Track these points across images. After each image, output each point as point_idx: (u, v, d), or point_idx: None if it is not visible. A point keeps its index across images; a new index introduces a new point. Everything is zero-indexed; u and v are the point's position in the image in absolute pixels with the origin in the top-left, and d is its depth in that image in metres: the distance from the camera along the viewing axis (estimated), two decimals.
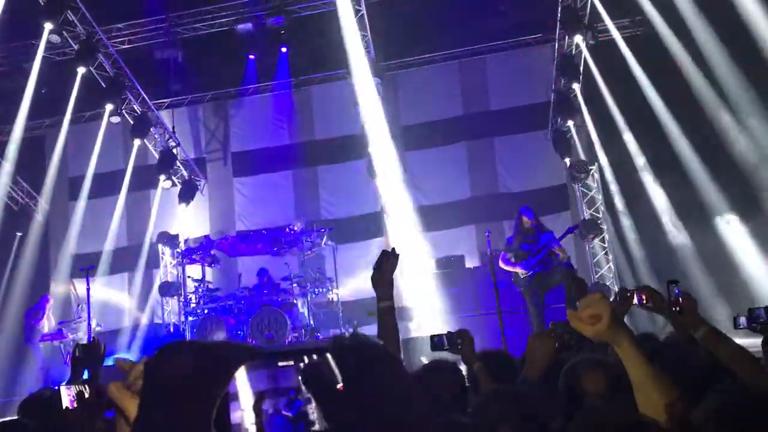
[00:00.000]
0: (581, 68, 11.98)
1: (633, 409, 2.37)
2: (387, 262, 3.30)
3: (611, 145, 12.12)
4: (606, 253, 11.86)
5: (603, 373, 2.45)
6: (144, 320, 13.21)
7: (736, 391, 2.26)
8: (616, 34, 11.54)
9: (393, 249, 3.44)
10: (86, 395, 3.34)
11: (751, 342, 3.91)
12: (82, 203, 13.66)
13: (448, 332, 3.80)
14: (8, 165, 12.73)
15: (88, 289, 10.34)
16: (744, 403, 2.04)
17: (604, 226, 11.89)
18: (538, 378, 2.91)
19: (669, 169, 11.17)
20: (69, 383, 3.64)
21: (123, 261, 13.79)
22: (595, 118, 12.19)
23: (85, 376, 3.77)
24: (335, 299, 11.91)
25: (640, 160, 11.74)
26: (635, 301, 3.53)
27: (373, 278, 3.30)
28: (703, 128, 10.54)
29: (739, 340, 3.06)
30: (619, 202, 12.17)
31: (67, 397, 3.22)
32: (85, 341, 10.90)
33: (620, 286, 11.42)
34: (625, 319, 3.59)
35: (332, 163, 14.12)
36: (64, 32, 11.73)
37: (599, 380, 2.43)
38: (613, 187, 12.28)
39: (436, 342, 3.76)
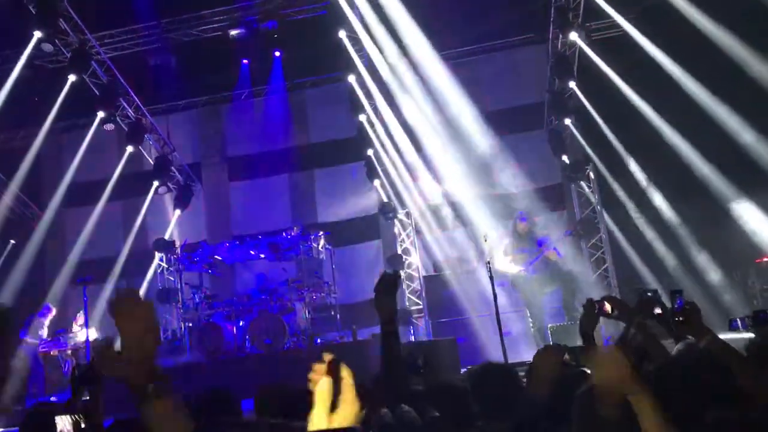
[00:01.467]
0: (575, 67, 11.99)
1: None
2: (387, 286, 3.28)
3: (606, 144, 12.12)
4: (603, 253, 11.87)
5: (618, 398, 2.44)
6: None
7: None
8: (623, 24, 11.41)
9: (395, 271, 3.43)
10: (82, 425, 3.33)
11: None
12: (78, 210, 13.63)
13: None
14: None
15: (85, 300, 10.31)
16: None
17: (600, 226, 11.90)
18: (544, 395, 2.92)
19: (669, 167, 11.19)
20: (69, 405, 3.64)
21: (121, 269, 13.72)
22: (590, 117, 12.18)
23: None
24: (333, 303, 11.91)
25: (634, 159, 11.76)
26: (607, 308, 3.54)
27: (375, 302, 3.29)
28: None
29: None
30: (614, 201, 12.17)
31: (63, 425, 3.22)
32: (83, 348, 10.92)
33: (613, 286, 11.46)
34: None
35: (328, 166, 14.12)
36: (56, 41, 11.64)
37: (615, 405, 2.42)
38: (610, 186, 12.27)
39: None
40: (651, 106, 11.28)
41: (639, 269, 11.60)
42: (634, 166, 11.80)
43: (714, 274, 10.71)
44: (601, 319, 3.61)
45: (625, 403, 2.39)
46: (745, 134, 9.79)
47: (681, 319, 3.18)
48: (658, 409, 1.75)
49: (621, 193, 12.12)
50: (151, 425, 1.49)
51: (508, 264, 9.00)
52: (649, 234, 11.63)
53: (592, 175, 12.15)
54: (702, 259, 10.91)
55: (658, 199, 11.58)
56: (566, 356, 3.20)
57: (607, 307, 3.50)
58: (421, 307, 12.35)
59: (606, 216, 12.16)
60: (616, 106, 11.75)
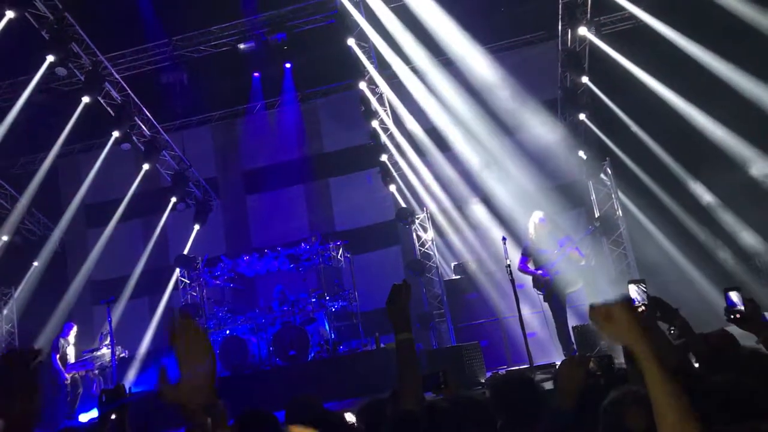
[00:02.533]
0: (586, 62, 11.91)
1: None
2: (400, 295, 3.28)
3: (628, 136, 12.01)
4: (623, 249, 11.75)
5: (646, 408, 2.40)
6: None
7: None
8: (637, 13, 11.31)
9: (404, 281, 3.42)
10: None
11: None
12: (99, 230, 13.79)
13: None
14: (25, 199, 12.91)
15: (109, 321, 10.40)
16: None
17: (620, 223, 11.79)
18: (570, 406, 2.89)
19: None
20: (96, 429, 3.67)
21: (142, 286, 13.83)
22: (607, 111, 12.09)
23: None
24: (355, 311, 11.91)
25: (659, 152, 11.63)
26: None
27: (388, 312, 3.28)
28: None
29: None
30: (634, 197, 12.05)
31: None
32: (110, 368, 11.01)
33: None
34: None
35: (343, 174, 14.15)
36: (69, 64, 11.78)
37: (642, 416, 2.38)
38: (634, 177, 12.13)
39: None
40: (674, 91, 11.16)
41: (662, 263, 11.42)
42: (664, 156, 11.65)
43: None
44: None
45: (648, 409, 2.36)
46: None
47: (738, 316, 3.12)
48: (661, 369, 1.71)
49: (650, 184, 11.96)
50: None
51: (529, 268, 8.93)
52: (684, 220, 11.48)
53: (609, 170, 12.04)
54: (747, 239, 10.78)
55: (694, 185, 11.44)
56: (591, 365, 3.16)
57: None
58: (443, 311, 12.31)
59: (632, 206, 12.05)
60: (634, 97, 11.65)
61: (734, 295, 3.12)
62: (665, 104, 11.21)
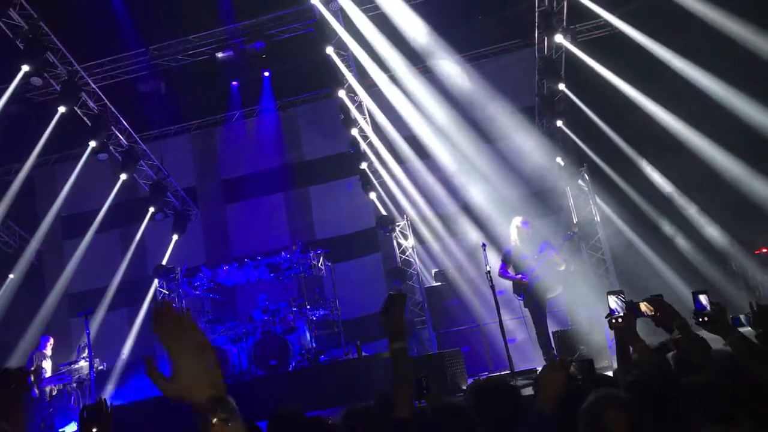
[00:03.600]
0: (563, 69, 12.05)
1: None
2: (395, 305, 3.29)
3: (601, 143, 12.16)
4: (602, 254, 11.86)
5: (625, 409, 2.44)
6: None
7: None
8: (613, 21, 11.47)
9: (399, 290, 3.43)
10: None
11: None
12: (76, 241, 13.64)
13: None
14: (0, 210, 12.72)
15: (87, 333, 10.28)
16: None
17: (598, 229, 11.90)
18: (551, 410, 2.91)
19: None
20: None
21: (120, 297, 13.68)
22: (584, 117, 12.22)
23: None
24: (336, 319, 11.87)
25: (635, 158, 11.79)
26: (647, 312, 3.50)
27: (382, 322, 3.29)
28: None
29: None
30: (611, 203, 12.18)
31: None
32: (88, 381, 10.87)
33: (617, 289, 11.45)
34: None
35: (323, 182, 14.13)
36: (45, 74, 11.67)
37: (621, 417, 2.42)
38: (606, 187, 12.28)
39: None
40: (649, 97, 11.31)
41: (640, 267, 11.54)
42: (640, 161, 11.80)
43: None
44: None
45: (633, 415, 2.40)
46: (751, 113, 9.86)
47: (706, 319, 3.17)
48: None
49: (627, 189, 12.10)
50: None
51: (510, 274, 8.99)
52: (661, 225, 11.62)
53: (587, 176, 12.16)
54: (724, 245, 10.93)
55: (670, 189, 11.58)
56: (573, 369, 3.19)
57: (643, 309, 3.47)
58: (424, 318, 12.32)
59: (610, 211, 12.17)
60: (610, 103, 11.80)
61: (703, 299, 3.17)
62: (641, 110, 11.36)
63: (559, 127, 12.35)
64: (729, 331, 3.02)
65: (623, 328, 3.60)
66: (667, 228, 11.63)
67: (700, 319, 3.15)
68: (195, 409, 1.43)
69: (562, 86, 12.05)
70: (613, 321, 3.59)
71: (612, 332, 3.80)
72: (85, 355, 11.02)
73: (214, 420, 1.39)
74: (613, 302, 3.60)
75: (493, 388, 3.42)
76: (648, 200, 12.02)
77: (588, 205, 12.13)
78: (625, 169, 12.12)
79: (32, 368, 10.89)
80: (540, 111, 12.67)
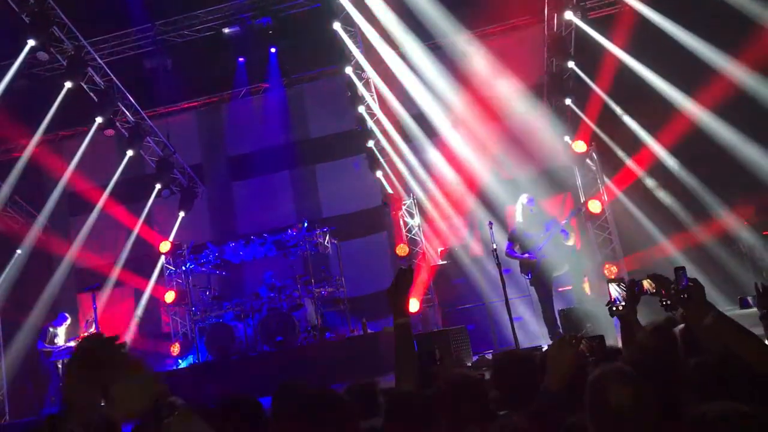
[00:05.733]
0: (572, 47, 11.92)
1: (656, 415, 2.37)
2: (404, 280, 3.29)
3: (611, 122, 12.03)
4: (609, 234, 11.82)
5: (630, 383, 2.43)
6: None
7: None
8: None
9: (410, 266, 3.42)
10: None
11: None
12: (83, 217, 13.67)
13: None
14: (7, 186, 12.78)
15: (95, 308, 10.34)
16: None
17: (605, 208, 11.84)
18: (560, 388, 2.90)
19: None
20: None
21: (128, 273, 13.72)
22: (593, 95, 12.10)
23: None
24: (342, 297, 11.92)
25: (644, 137, 11.66)
26: (650, 289, 3.47)
27: (389, 295, 3.29)
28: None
29: None
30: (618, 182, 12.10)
31: None
32: None
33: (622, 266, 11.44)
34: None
35: (329, 160, 14.06)
36: (51, 48, 11.62)
37: (626, 391, 2.41)
38: (614, 165, 12.18)
39: None
40: (659, 75, 11.18)
41: (647, 246, 11.48)
42: (646, 137, 11.68)
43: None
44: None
45: (639, 388, 2.38)
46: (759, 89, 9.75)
47: (685, 296, 3.13)
48: None
49: (635, 168, 11.98)
50: None
51: (516, 252, 8.96)
52: (669, 204, 11.52)
53: (595, 155, 12.08)
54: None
55: (675, 167, 11.47)
56: (582, 346, 3.17)
57: (646, 286, 3.43)
58: (430, 296, 12.33)
59: (618, 191, 12.09)
60: (619, 81, 11.66)
61: (683, 274, 3.14)
62: (651, 88, 11.24)
63: (568, 106, 12.25)
64: (705, 310, 2.96)
65: (624, 316, 3.59)
66: (675, 207, 11.54)
67: (680, 296, 3.11)
68: (143, 419, 1.53)
69: (571, 64, 11.93)
70: (614, 309, 3.58)
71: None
72: (92, 329, 11.10)
73: (165, 420, 1.50)
74: (614, 290, 3.59)
75: (517, 358, 3.44)
76: (657, 180, 11.92)
77: (595, 184, 12.07)
78: (634, 148, 12.01)
79: (45, 341, 11.00)
80: (549, 89, 12.55)
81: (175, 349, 12.28)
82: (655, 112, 11.34)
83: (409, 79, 12.53)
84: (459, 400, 3.07)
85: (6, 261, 13.53)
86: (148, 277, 13.70)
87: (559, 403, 2.80)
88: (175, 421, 1.50)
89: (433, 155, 12.79)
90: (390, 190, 13.07)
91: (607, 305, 3.56)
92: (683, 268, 3.18)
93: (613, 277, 10.61)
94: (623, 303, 3.50)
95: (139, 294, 13.70)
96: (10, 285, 13.53)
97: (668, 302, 3.28)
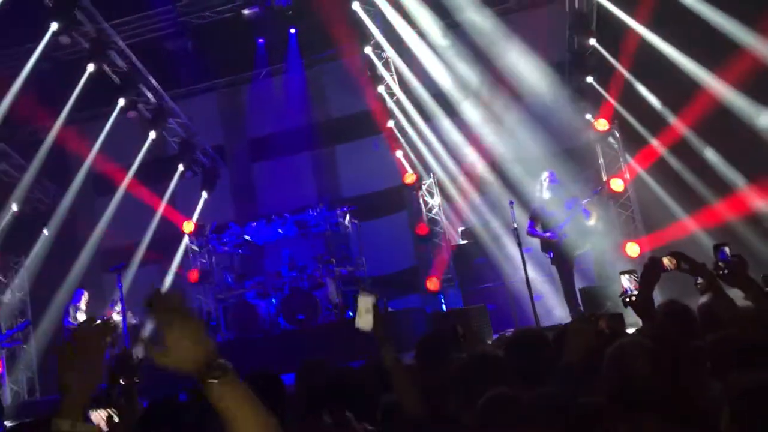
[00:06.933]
0: (594, 23, 11.76)
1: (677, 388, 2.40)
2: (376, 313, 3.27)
3: (634, 100, 11.88)
4: (631, 212, 11.75)
5: (648, 356, 2.46)
6: None
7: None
8: None
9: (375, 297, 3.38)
10: (115, 420, 3.40)
11: None
12: (107, 198, 13.89)
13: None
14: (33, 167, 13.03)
15: (120, 287, 10.52)
16: None
17: (628, 187, 11.75)
18: (578, 365, 2.93)
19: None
20: (104, 395, 3.72)
21: (152, 253, 13.92)
22: (615, 73, 11.95)
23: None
24: (362, 276, 12.01)
25: (667, 114, 11.49)
26: (670, 266, 3.47)
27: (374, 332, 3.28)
28: None
29: None
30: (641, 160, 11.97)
31: (97, 420, 3.29)
32: (122, 334, 11.16)
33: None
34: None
35: (349, 140, 14.08)
36: (73, 32, 11.72)
37: (645, 363, 2.43)
38: (636, 143, 12.04)
39: None
40: (683, 52, 11.00)
41: (670, 227, 11.38)
42: (669, 114, 11.51)
43: None
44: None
45: (657, 360, 2.41)
46: None
47: (726, 272, 3.13)
48: None
49: (658, 147, 11.83)
50: (220, 406, 1.49)
51: (538, 231, 8.95)
52: (692, 183, 11.37)
53: (617, 133, 11.98)
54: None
55: (699, 145, 11.31)
56: (601, 324, 3.19)
57: (666, 263, 3.43)
58: (450, 276, 12.36)
59: (640, 169, 11.96)
60: (642, 59, 11.50)
61: (727, 250, 3.12)
62: (674, 65, 11.08)
63: (590, 84, 12.12)
64: (749, 285, 2.97)
65: (638, 305, 3.58)
66: (699, 185, 11.39)
67: (721, 272, 3.11)
68: (192, 375, 1.53)
69: (593, 41, 11.78)
70: (627, 300, 3.58)
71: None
72: (118, 309, 11.29)
73: (211, 380, 1.49)
74: (626, 281, 3.58)
75: (527, 336, 3.48)
76: (680, 159, 11.76)
77: (618, 162, 11.98)
78: (657, 127, 11.86)
79: (70, 318, 11.19)
80: (570, 67, 12.42)
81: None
82: (679, 89, 11.17)
83: (428, 57, 12.47)
84: (477, 376, 3.12)
85: (33, 242, 13.80)
86: (173, 257, 13.89)
87: (576, 380, 2.83)
88: (224, 383, 1.50)
89: (454, 134, 12.74)
90: (410, 170, 13.08)
91: (620, 296, 3.56)
92: (724, 244, 3.16)
93: (635, 256, 10.62)
94: (634, 294, 3.49)
95: (163, 273, 13.90)
96: (38, 265, 13.82)
97: (701, 282, 3.27)
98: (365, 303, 3.19)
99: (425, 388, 3.33)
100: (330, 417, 2.89)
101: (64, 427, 1.60)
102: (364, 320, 3.20)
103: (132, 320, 11.82)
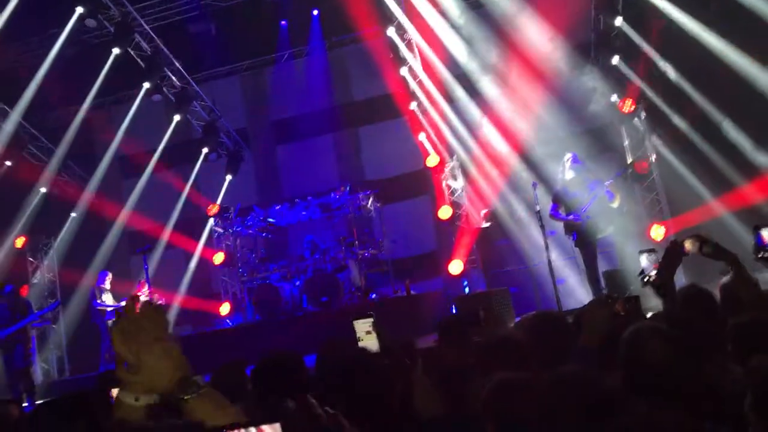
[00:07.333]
0: (620, 3, 11.56)
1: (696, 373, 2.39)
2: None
3: (660, 81, 11.69)
4: (656, 195, 11.61)
5: (664, 340, 2.44)
6: None
7: None
8: None
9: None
10: None
11: None
12: (133, 181, 14.08)
13: None
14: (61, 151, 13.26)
15: (146, 269, 10.68)
16: None
17: (653, 169, 11.61)
18: (595, 346, 2.93)
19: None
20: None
21: (178, 235, 14.09)
22: (641, 53, 11.75)
23: None
24: (385, 259, 12.04)
25: (694, 95, 11.28)
26: (692, 249, 3.44)
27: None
28: None
29: None
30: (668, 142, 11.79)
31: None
32: None
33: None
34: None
35: (372, 123, 14.06)
36: (98, 15, 11.83)
37: (661, 347, 2.42)
38: (662, 125, 11.85)
39: None
40: (712, 31, 10.77)
41: (695, 208, 11.21)
42: (695, 95, 11.29)
43: None
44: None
45: (673, 345, 2.40)
46: None
47: (766, 255, 3.09)
48: None
49: (684, 128, 11.63)
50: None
51: (561, 214, 8.88)
52: (719, 165, 11.18)
53: (643, 114, 11.81)
54: None
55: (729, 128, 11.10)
56: (618, 306, 3.18)
57: (688, 246, 3.40)
58: (474, 258, 12.35)
59: (665, 151, 11.79)
60: (669, 39, 11.29)
61: (765, 233, 3.07)
62: (702, 46, 10.86)
63: (615, 65, 11.95)
64: None
65: (655, 285, 3.55)
66: (725, 167, 11.19)
67: (761, 255, 3.07)
68: (165, 394, 1.57)
69: (619, 21, 11.60)
70: (644, 280, 3.55)
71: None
72: (144, 290, 11.45)
73: (186, 398, 1.55)
74: (644, 260, 3.55)
75: (546, 318, 3.47)
76: (707, 141, 11.56)
77: (642, 144, 11.83)
78: (683, 108, 11.66)
79: (97, 300, 11.37)
80: (596, 47, 12.25)
81: (225, 308, 12.62)
82: (707, 69, 10.97)
83: (451, 39, 12.36)
84: (497, 358, 3.13)
85: (62, 224, 14.05)
86: (198, 239, 14.06)
87: (593, 361, 2.83)
88: (199, 399, 1.56)
89: (477, 116, 12.66)
90: (433, 153, 13.04)
91: (638, 276, 3.55)
92: (765, 226, 3.11)
93: (660, 239, 10.50)
94: (653, 273, 3.46)
95: (189, 255, 14.08)
96: (67, 247, 14.08)
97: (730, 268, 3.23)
98: (362, 327, 3.29)
99: (447, 369, 3.35)
100: (293, 402, 2.90)
101: (127, 398, 1.58)
102: (368, 342, 3.31)
103: (158, 301, 12.01)
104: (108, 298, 11.45)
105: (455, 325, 4.41)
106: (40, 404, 2.70)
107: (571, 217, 8.75)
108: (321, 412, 2.80)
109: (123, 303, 11.70)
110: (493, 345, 3.32)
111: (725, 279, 3.54)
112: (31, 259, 14.09)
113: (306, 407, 2.86)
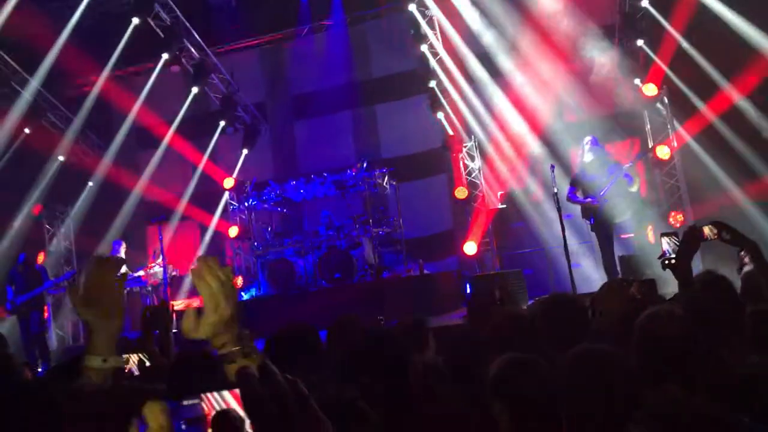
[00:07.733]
0: None
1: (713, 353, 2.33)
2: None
3: (685, 65, 11.46)
4: (677, 181, 11.45)
5: (679, 323, 2.39)
6: None
7: None
8: None
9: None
10: (147, 364, 3.50)
11: None
12: (150, 151, 14.11)
13: None
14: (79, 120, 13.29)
15: (161, 239, 10.71)
16: None
17: (674, 154, 11.43)
18: (610, 329, 2.88)
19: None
20: (139, 343, 3.83)
21: (193, 207, 14.13)
22: (667, 36, 11.52)
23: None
24: (399, 237, 12.01)
25: (720, 81, 11.04)
26: (710, 236, 3.38)
27: None
28: None
29: None
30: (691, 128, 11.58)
31: (131, 362, 3.42)
32: (162, 285, 11.41)
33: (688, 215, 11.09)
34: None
35: (391, 100, 13.94)
36: None
37: (675, 330, 2.37)
38: (686, 110, 11.64)
39: None
40: (739, 15, 10.52)
41: (716, 195, 11.04)
42: (722, 81, 11.05)
43: None
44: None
45: (687, 328, 2.35)
46: None
47: None
48: None
49: (708, 114, 11.41)
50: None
51: (578, 197, 8.78)
52: (743, 153, 10.96)
53: (666, 99, 11.61)
54: None
55: (752, 113, 10.87)
56: (633, 290, 3.13)
57: (706, 232, 3.35)
58: (488, 240, 12.27)
59: (688, 137, 11.59)
60: (696, 22, 11.05)
61: None
62: (729, 29, 10.62)
63: (640, 47, 11.73)
64: None
65: (677, 268, 3.48)
66: (749, 155, 10.99)
67: None
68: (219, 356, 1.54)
69: (645, 2, 11.37)
70: (665, 263, 3.48)
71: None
72: (159, 260, 11.53)
73: (242, 364, 1.50)
74: (666, 244, 3.49)
75: (560, 300, 3.44)
76: (732, 128, 11.34)
77: (665, 129, 11.64)
78: (708, 94, 11.44)
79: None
80: (620, 29, 12.02)
81: (238, 281, 12.68)
82: (733, 54, 10.73)
83: (473, 17, 12.20)
84: (510, 336, 3.10)
85: (79, 193, 14.13)
86: (213, 211, 14.09)
87: (608, 344, 2.78)
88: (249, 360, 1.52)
89: (497, 96, 12.50)
90: (451, 132, 12.92)
91: (659, 258, 3.49)
92: None
93: (678, 225, 10.37)
94: (673, 257, 3.40)
95: (204, 227, 14.13)
96: (83, 216, 14.17)
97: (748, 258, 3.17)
98: None
99: (473, 344, 3.34)
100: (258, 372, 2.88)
101: (94, 362, 1.65)
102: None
103: (173, 272, 12.09)
104: (122, 268, 11.49)
105: (480, 303, 4.38)
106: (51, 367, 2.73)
107: (588, 200, 8.66)
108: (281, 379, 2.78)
109: (140, 272, 11.84)
110: (505, 323, 3.29)
111: (747, 268, 3.47)
112: (48, 226, 14.20)
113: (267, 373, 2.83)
